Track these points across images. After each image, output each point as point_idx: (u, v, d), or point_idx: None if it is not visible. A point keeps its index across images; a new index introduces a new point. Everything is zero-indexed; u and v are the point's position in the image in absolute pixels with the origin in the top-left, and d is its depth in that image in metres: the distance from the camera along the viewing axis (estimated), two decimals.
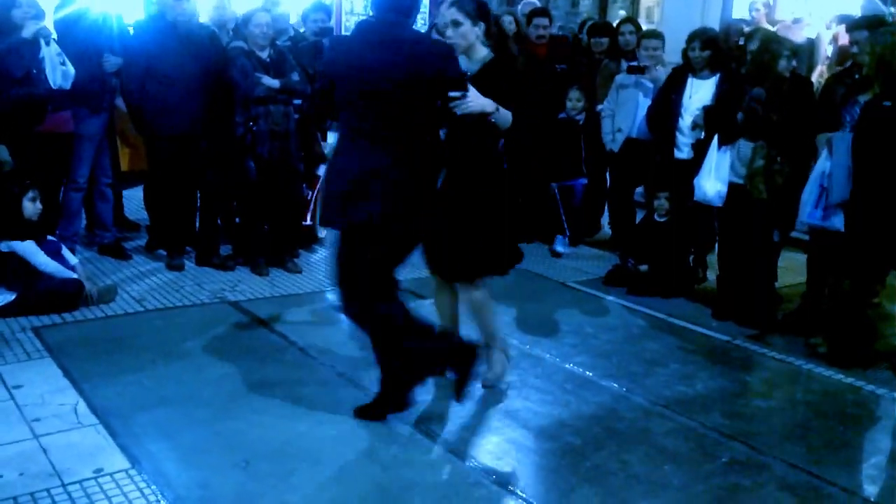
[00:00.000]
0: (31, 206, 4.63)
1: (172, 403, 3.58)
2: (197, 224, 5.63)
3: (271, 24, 5.26)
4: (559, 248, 6.18)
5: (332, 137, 6.36)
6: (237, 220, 5.67)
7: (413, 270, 5.59)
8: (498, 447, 3.36)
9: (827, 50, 6.66)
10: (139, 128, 5.47)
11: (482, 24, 3.46)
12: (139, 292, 4.99)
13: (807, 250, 4.97)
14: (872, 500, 3.10)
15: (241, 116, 5.16)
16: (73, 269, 4.74)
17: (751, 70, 4.78)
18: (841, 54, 5.92)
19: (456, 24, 3.41)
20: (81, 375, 3.79)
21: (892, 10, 6.96)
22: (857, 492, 3.13)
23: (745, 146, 4.64)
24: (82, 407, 3.50)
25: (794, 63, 4.66)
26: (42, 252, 4.61)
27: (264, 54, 5.21)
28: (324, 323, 4.76)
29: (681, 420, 3.64)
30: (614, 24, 6.68)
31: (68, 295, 4.58)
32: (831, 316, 4.43)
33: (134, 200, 6.48)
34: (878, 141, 4.01)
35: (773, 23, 7.13)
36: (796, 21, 7.10)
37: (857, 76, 4.52)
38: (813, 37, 7.03)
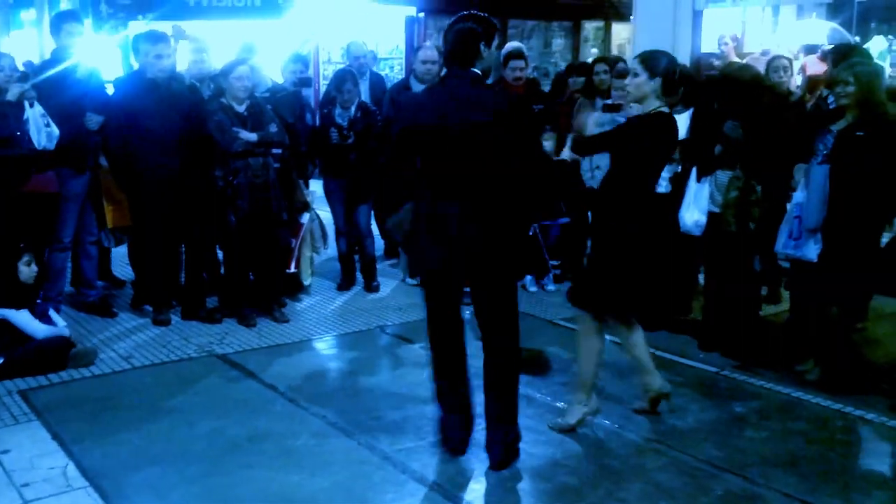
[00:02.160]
0: (26, 271, 4.65)
1: (163, 461, 3.55)
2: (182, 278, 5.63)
3: (251, 76, 5.33)
4: (546, 286, 6.23)
5: (314, 185, 6.42)
6: (222, 271, 5.68)
7: (402, 315, 5.66)
8: (493, 490, 3.35)
9: (796, 80, 6.81)
10: (122, 184, 5.50)
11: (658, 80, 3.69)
12: (126, 349, 4.96)
13: (788, 279, 5.03)
14: None
15: (220, 171, 5.19)
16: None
17: (723, 104, 4.89)
18: (810, 84, 6.07)
19: (634, 74, 3.74)
20: (70, 437, 3.75)
21: (857, 39, 7.16)
22: None
23: (723, 176, 4.73)
24: (72, 470, 3.46)
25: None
26: (35, 320, 4.61)
27: (242, 108, 5.26)
28: (314, 372, 4.75)
29: (674, 454, 3.64)
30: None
31: (56, 351, 4.55)
32: (819, 343, 4.48)
33: (118, 258, 6.47)
34: (852, 170, 4.09)
35: (742, 56, 7.31)
36: (764, 53, 7.28)
37: (830, 105, 4.61)
38: None
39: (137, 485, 3.34)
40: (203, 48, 5.86)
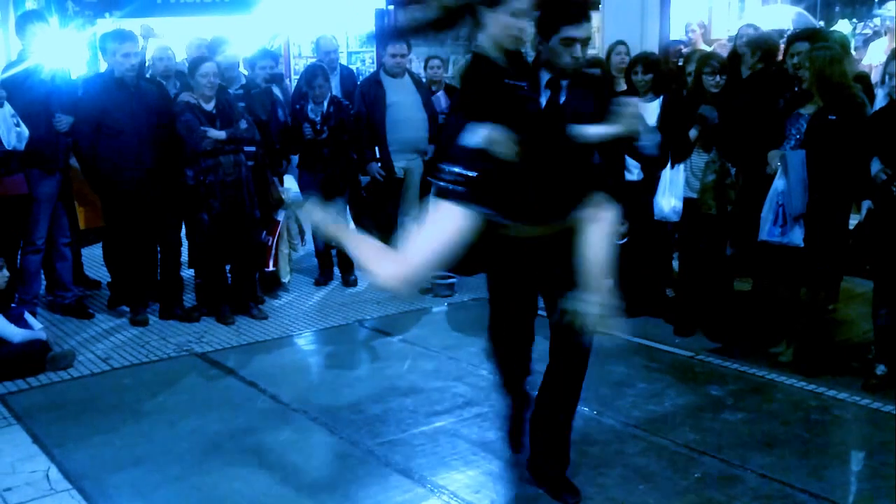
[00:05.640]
0: None
1: (145, 462, 3.55)
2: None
3: (218, 72, 5.29)
4: None
5: (288, 181, 6.40)
6: (195, 271, 5.64)
7: (380, 308, 5.68)
8: (474, 480, 3.39)
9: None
10: (93, 185, 5.45)
11: None
12: (104, 351, 4.93)
13: (757, 261, 5.09)
14: None
15: (191, 170, 5.16)
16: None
17: (692, 89, 4.95)
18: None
19: None
20: (51, 440, 3.74)
21: (822, 23, 7.25)
22: (829, 497, 3.20)
23: (699, 160, 4.79)
24: (54, 473, 3.45)
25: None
26: (10, 324, 4.56)
27: (210, 106, 5.22)
28: (294, 368, 4.76)
29: (652, 439, 3.70)
30: None
31: (33, 354, 4.52)
32: (792, 324, 4.56)
33: (92, 258, 6.42)
34: (826, 154, 4.16)
35: (709, 43, 7.38)
36: (731, 40, 7.35)
37: (796, 89, 4.68)
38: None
39: (120, 486, 3.34)
40: (167, 45, 5.81)
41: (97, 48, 5.69)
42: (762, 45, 4.97)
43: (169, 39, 6.21)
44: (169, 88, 5.62)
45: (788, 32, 6.52)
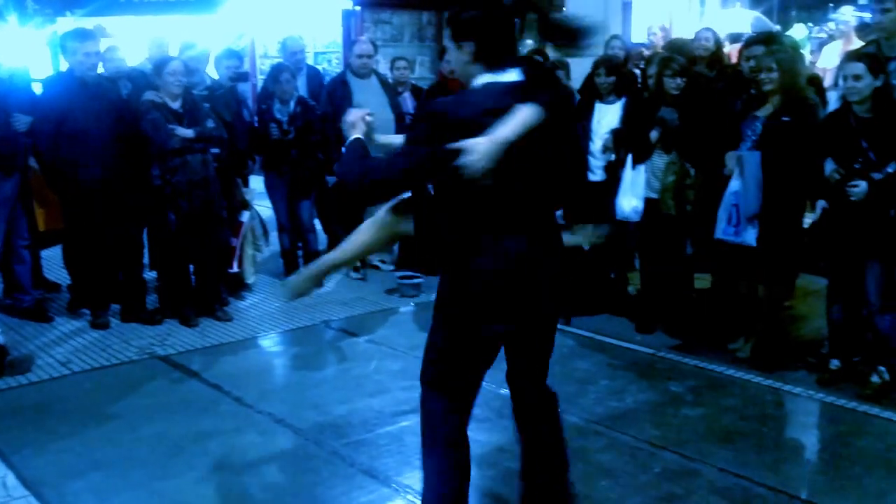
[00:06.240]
0: None
1: (107, 467, 3.51)
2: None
3: (184, 71, 5.25)
4: None
5: (253, 182, 6.37)
6: (157, 273, 5.59)
7: (346, 309, 5.67)
8: None
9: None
10: (53, 186, 5.37)
11: None
12: (64, 355, 4.86)
13: (715, 260, 5.18)
14: (800, 496, 3.25)
15: (157, 169, 5.12)
16: None
17: (653, 92, 5.03)
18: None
19: None
20: (9, 447, 3.67)
21: (779, 27, 7.39)
22: (784, 490, 3.28)
23: (660, 161, 4.87)
24: (11, 480, 3.40)
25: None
26: None
27: (176, 104, 5.19)
28: (258, 370, 4.74)
29: (614, 435, 3.76)
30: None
31: None
32: (750, 321, 4.65)
33: (52, 261, 6.32)
34: (781, 155, 4.26)
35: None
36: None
37: (752, 91, 4.77)
38: None
39: (80, 492, 3.30)
40: (116, 46, 5.75)
41: (57, 47, 5.60)
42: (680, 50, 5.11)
43: (125, 40, 6.14)
44: (120, 89, 5.56)
45: (746, 36, 6.64)
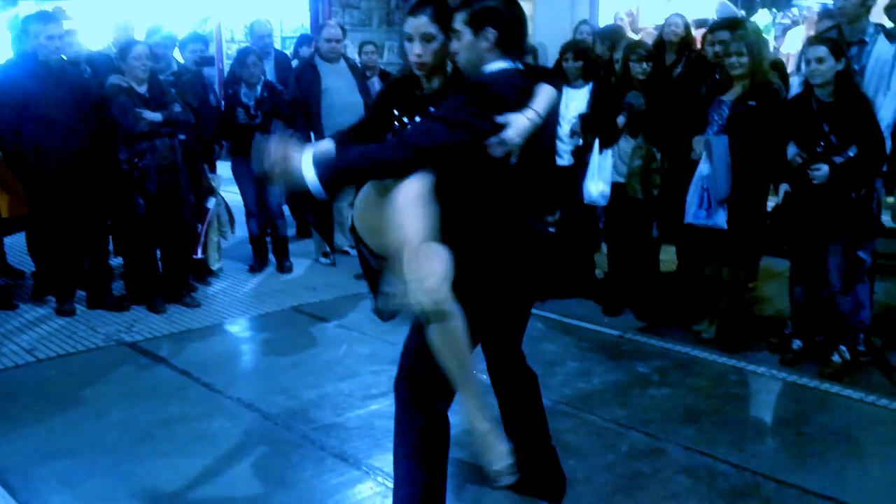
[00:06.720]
0: None
1: (74, 453, 3.49)
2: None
3: (150, 55, 5.18)
4: None
5: (220, 168, 6.32)
6: (123, 259, 5.53)
7: (315, 294, 5.67)
8: None
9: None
10: (17, 171, 5.28)
11: None
12: (29, 342, 4.80)
13: (678, 241, 5.25)
14: (761, 472, 3.32)
15: (124, 154, 5.06)
16: None
17: (620, 77, 5.07)
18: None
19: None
20: None
21: (743, 13, 7.47)
22: (748, 467, 3.35)
23: (626, 146, 4.91)
24: None
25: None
26: None
27: (142, 88, 5.12)
28: (227, 355, 4.72)
29: (582, 415, 3.81)
30: None
31: None
32: (714, 303, 4.73)
33: (15, 247, 6.23)
34: (747, 139, 4.31)
35: (636, 31, 7.54)
36: (657, 28, 7.51)
37: (717, 76, 4.82)
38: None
39: (47, 477, 3.28)
40: (75, 29, 5.65)
41: (18, 31, 5.48)
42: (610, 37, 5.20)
43: (86, 24, 6.02)
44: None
45: (711, 22, 6.69)
